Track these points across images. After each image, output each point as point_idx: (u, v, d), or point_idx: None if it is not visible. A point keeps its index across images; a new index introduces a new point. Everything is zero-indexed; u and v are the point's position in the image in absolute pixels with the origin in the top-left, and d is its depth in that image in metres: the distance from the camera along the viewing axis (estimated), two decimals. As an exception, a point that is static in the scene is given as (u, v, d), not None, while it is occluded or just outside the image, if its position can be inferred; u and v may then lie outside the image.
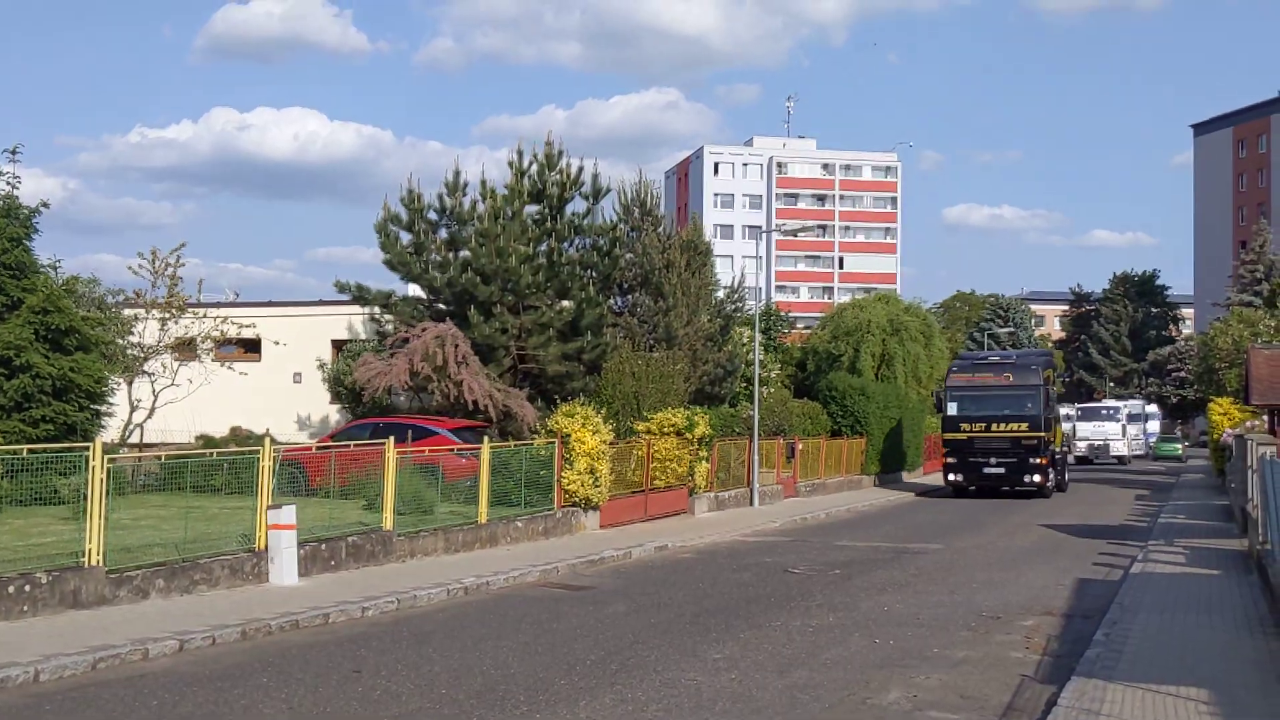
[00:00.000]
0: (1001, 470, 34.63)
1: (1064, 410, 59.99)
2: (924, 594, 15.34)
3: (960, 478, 35.21)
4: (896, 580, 16.65)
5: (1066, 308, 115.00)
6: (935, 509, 31.45)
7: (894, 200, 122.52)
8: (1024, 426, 34.26)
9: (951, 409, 35.25)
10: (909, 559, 19.36)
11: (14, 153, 21.31)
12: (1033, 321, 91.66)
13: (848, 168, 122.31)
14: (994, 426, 34.51)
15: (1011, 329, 77.09)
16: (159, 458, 17.61)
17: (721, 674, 10.21)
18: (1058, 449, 38.21)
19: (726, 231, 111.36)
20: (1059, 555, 20.19)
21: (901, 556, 19.64)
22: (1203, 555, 19.22)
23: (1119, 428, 64.34)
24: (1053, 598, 15.17)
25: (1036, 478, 34.28)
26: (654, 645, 11.50)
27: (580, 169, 31.87)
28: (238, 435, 27.84)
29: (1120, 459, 63.69)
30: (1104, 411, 66.41)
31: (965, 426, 34.76)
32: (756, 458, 29.74)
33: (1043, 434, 34.37)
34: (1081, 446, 63.03)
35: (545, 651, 11.20)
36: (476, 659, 10.82)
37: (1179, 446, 71.37)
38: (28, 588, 11.87)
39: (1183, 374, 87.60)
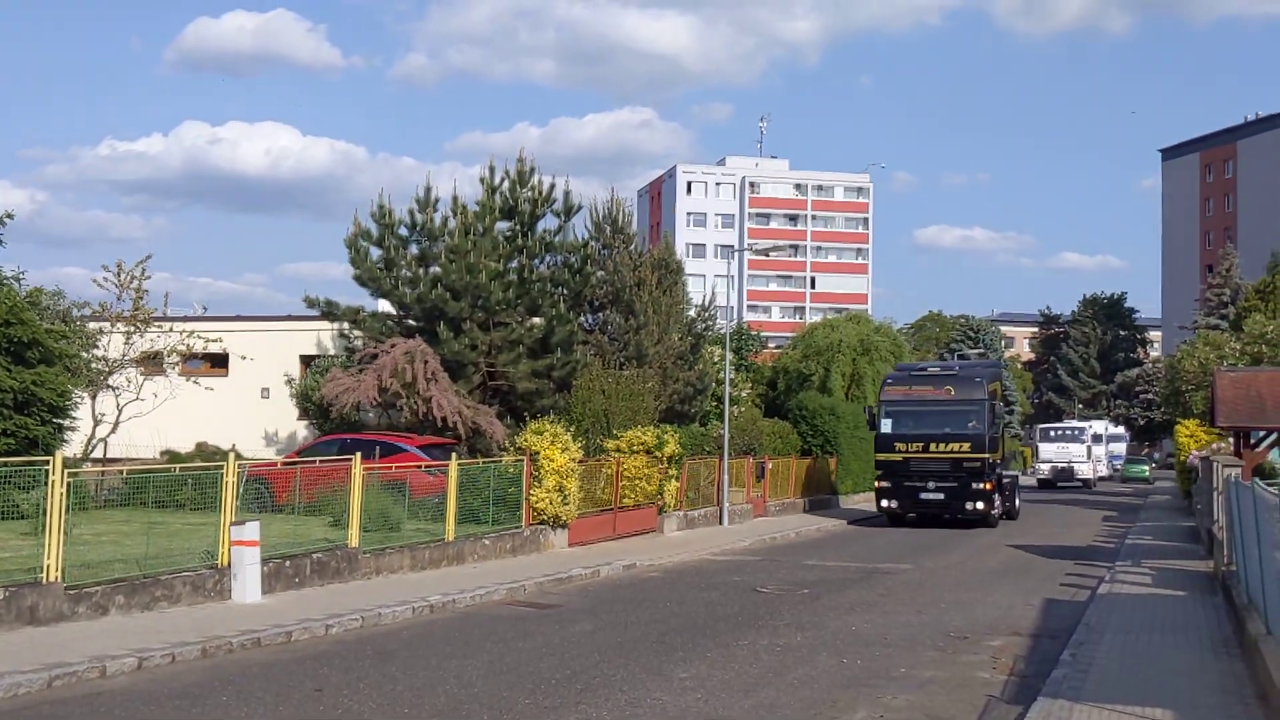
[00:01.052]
0: (941, 495, 30.97)
1: (1014, 431, 58.65)
2: (892, 614, 15.32)
3: (895, 504, 31.75)
4: (865, 600, 16.63)
5: (1036, 329, 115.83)
6: (905, 530, 31.47)
7: (866, 221, 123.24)
8: (966, 446, 30.81)
9: (885, 426, 31.92)
10: (878, 579, 19.35)
11: (-21, 163, 21.05)
12: (1003, 343, 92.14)
13: (820, 188, 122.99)
14: (932, 446, 31.12)
15: (981, 350, 77.45)
16: (121, 472, 17.37)
17: (688, 693, 10.13)
18: (1008, 472, 34.99)
19: (699, 250, 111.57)
20: (1027, 576, 20.23)
21: (871, 577, 19.63)
22: (1169, 576, 19.32)
23: (1083, 449, 60.85)
24: (1020, 618, 15.18)
25: (980, 504, 30.60)
26: (619, 664, 11.41)
27: (552, 186, 31.91)
28: (204, 450, 27.54)
29: (1085, 482, 60.31)
30: (1068, 433, 63.02)
31: (900, 446, 31.44)
32: (726, 477, 29.71)
33: (987, 455, 30.85)
34: (1044, 469, 60.51)
35: (510, 670, 11.09)
36: (440, 677, 10.69)
37: (1146, 468, 71.81)
38: (-17, 604, 11.64)
39: (1150, 396, 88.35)
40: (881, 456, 32.09)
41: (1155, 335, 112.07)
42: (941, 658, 12.21)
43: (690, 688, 10.37)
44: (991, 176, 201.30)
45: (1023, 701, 9.97)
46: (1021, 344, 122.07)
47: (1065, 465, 59.97)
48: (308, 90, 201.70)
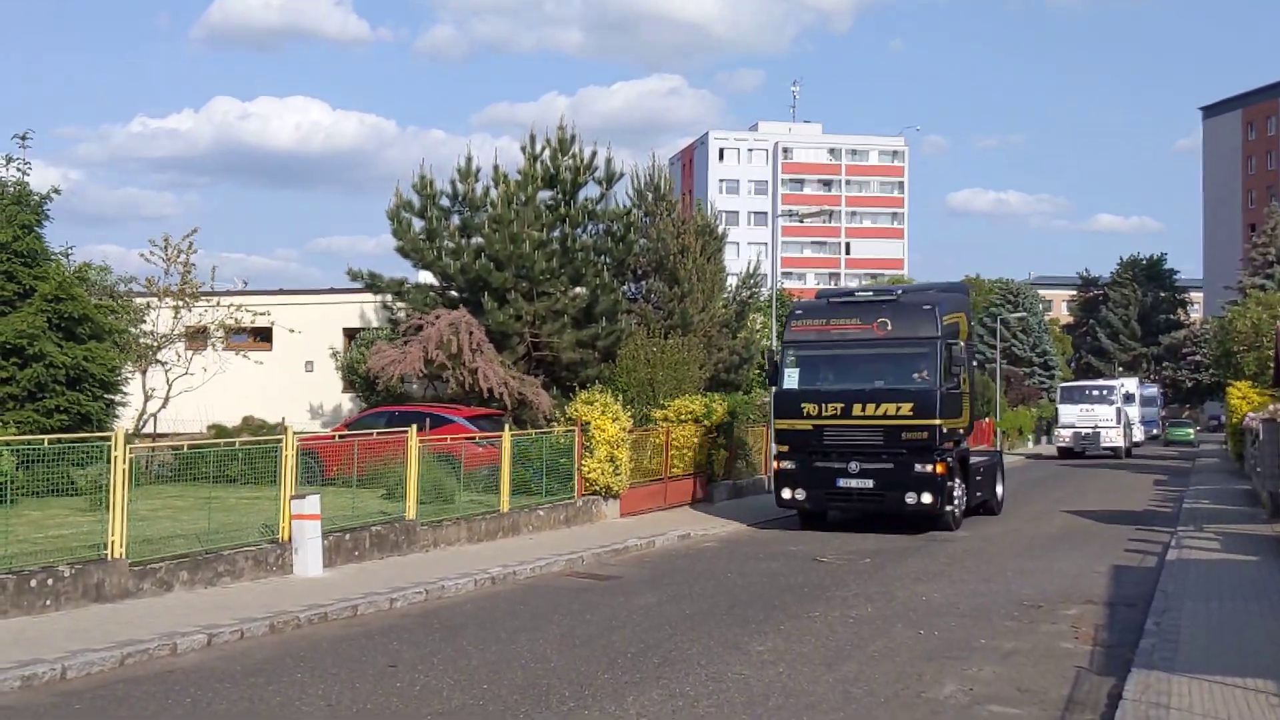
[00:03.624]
0: (869, 483, 20.86)
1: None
2: (960, 583, 15.03)
3: (802, 495, 21.41)
4: (930, 569, 16.35)
5: (1074, 292, 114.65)
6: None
7: (901, 185, 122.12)
8: (907, 409, 20.48)
9: (789, 379, 21.56)
10: (937, 546, 19.05)
11: (24, 139, 21.02)
12: (1041, 306, 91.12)
13: (854, 152, 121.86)
14: (857, 409, 20.83)
15: (1022, 314, 76.56)
16: (180, 447, 17.30)
17: (768, 667, 9.90)
18: (981, 450, 26.62)
19: (732, 218, 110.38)
20: (1088, 542, 19.88)
21: (930, 544, 19.34)
22: (1236, 541, 18.90)
23: (1112, 412, 51.28)
24: (1091, 585, 14.86)
25: (925, 496, 20.45)
26: (693, 637, 11.20)
27: (593, 154, 31.54)
28: (250, 424, 27.58)
29: (1115, 450, 50.71)
30: (1094, 392, 53.01)
31: (810, 409, 21.10)
32: (774, 445, 29.40)
33: (937, 421, 20.38)
34: (1065, 435, 51.53)
35: (583, 644, 10.90)
36: (514, 652, 10.52)
37: (1191, 431, 70.85)
38: (50, 581, 11.58)
39: (1198, 358, 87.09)
40: (783, 424, 21.92)
41: (1196, 296, 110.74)
42: (1020, 628, 11.92)
43: (770, 661, 10.14)
44: (1025, 138, 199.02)
45: (1113, 673, 9.69)
46: (1059, 307, 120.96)
47: (1090, 430, 50.95)
48: (336, 64, 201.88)
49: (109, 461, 12.40)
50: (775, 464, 22.17)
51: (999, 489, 25.38)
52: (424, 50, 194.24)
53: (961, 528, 21.41)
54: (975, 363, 24.92)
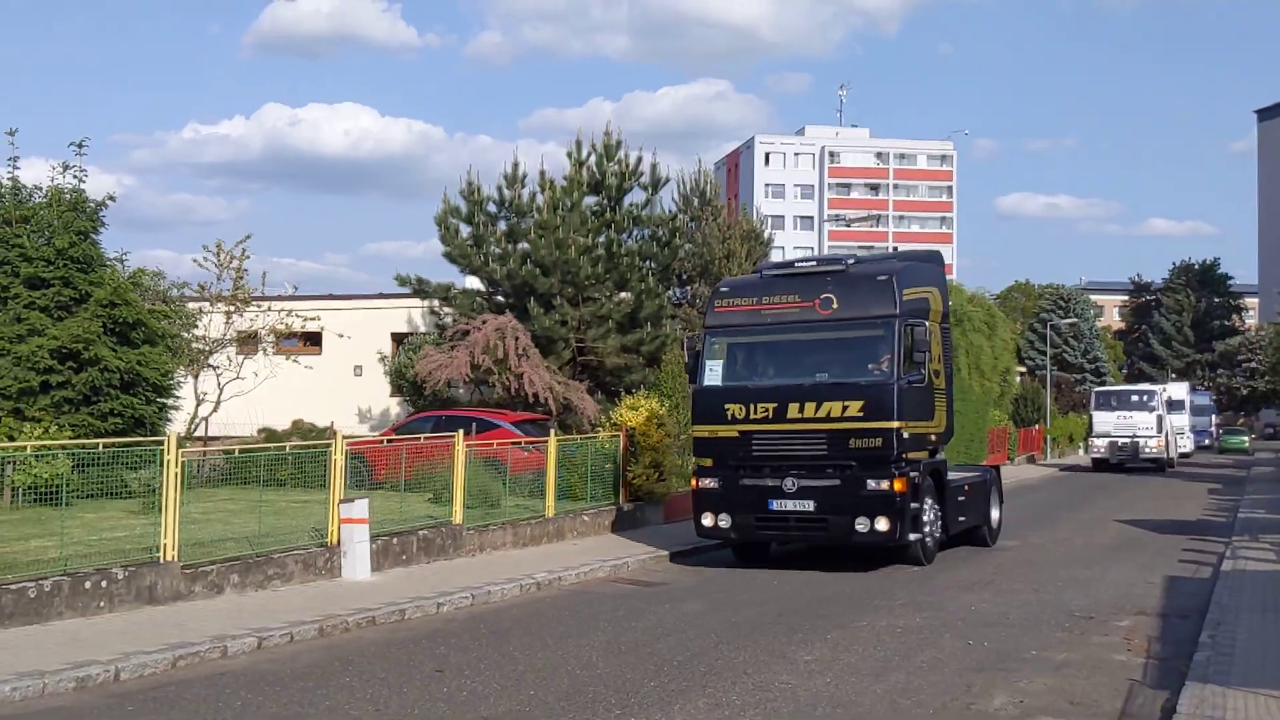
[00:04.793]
0: (809, 505, 16.50)
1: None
2: (1009, 592, 14.87)
3: (726, 521, 17.06)
4: (978, 578, 16.18)
5: (1126, 298, 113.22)
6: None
7: (949, 189, 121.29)
8: (856, 408, 16.13)
9: (710, 373, 17.31)
10: (986, 555, 18.86)
11: (80, 147, 21.31)
12: (1092, 312, 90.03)
13: (902, 156, 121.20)
14: (793, 410, 16.47)
15: (1073, 319, 75.67)
16: (232, 451, 17.50)
17: (815, 677, 9.84)
18: (964, 469, 21.68)
19: (778, 222, 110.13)
20: (1140, 551, 19.59)
21: (978, 553, 19.14)
22: (1293, 552, 18.55)
23: (1152, 419, 45.92)
24: (1144, 596, 14.64)
25: (880, 522, 16.07)
26: (739, 646, 11.16)
27: (639, 159, 31.57)
28: (300, 428, 27.85)
29: (1157, 462, 45.92)
30: (1132, 398, 47.57)
31: (735, 410, 16.82)
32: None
33: (894, 424, 16.08)
34: (1100, 445, 46.63)
35: (628, 651, 10.90)
36: (560, 658, 10.54)
37: (1246, 439, 69.63)
38: (104, 583, 11.75)
39: (1253, 365, 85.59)
40: (702, 430, 17.36)
41: (1251, 302, 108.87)
42: (1071, 639, 11.77)
43: (817, 671, 10.08)
44: (1076, 141, 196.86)
45: (1166, 686, 9.54)
46: (1111, 313, 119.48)
47: (1129, 440, 45.72)
48: (385, 70, 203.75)
49: (162, 465, 12.56)
50: (693, 482, 17.61)
51: (994, 513, 20.48)
52: (472, 56, 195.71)
53: (1012, 538, 21.09)
54: (953, 350, 19.45)
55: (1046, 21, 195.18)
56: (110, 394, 19.81)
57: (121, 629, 11.01)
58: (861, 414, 16.12)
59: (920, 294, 17.39)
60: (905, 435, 16.25)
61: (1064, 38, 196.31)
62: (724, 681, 9.66)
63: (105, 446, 14.13)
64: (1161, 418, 46.37)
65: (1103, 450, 46.35)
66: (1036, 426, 55.46)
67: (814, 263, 18.65)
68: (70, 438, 17.99)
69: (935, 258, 20.11)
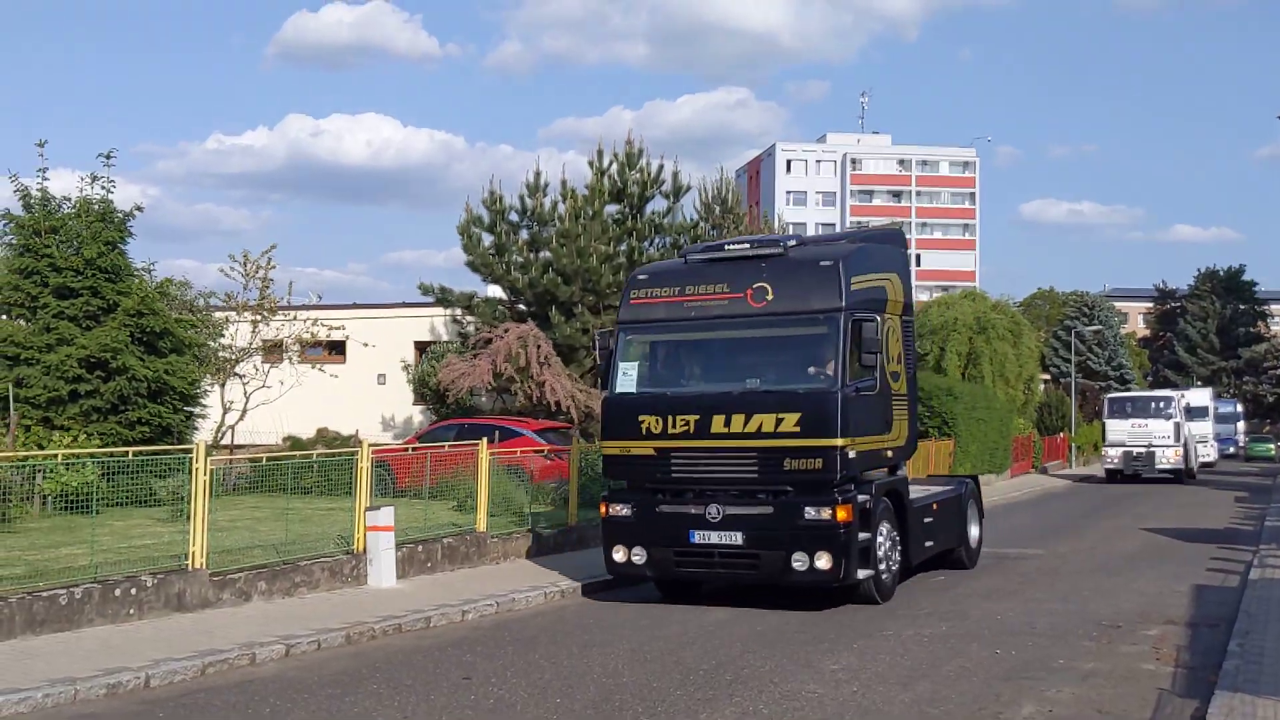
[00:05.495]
0: (736, 537, 13.86)
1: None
2: (1035, 601, 14.80)
3: (641, 556, 14.39)
4: (1003, 587, 16.12)
5: (1150, 305, 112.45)
6: (1026, 513, 30.66)
7: (972, 196, 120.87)
8: (792, 421, 13.57)
9: (624, 377, 14.71)
10: (1010, 565, 18.77)
11: (108, 157, 21.57)
12: (1117, 319, 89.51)
13: (924, 163, 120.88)
14: (718, 423, 13.88)
15: (1098, 327, 75.23)
16: (259, 459, 17.64)
17: (842, 686, 9.84)
18: (929, 485, 18.77)
19: (799, 229, 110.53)
20: (1167, 560, 19.46)
21: (1002, 562, 19.06)
22: (1322, 561, 18.39)
23: (1169, 427, 42.81)
24: (1171, 605, 14.55)
25: (821, 559, 13.42)
26: (765, 655, 11.16)
27: (660, 167, 31.71)
28: (325, 436, 28.04)
29: (1176, 473, 42.61)
30: (1149, 404, 44.43)
31: (650, 423, 14.22)
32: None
33: (838, 442, 13.44)
34: (1113, 455, 43.39)
35: (654, 660, 10.91)
36: (586, 666, 10.57)
37: (1272, 447, 69.04)
38: (134, 591, 11.86)
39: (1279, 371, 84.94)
40: (613, 447, 14.66)
41: (1277, 309, 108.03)
42: (1098, 648, 11.71)
43: (844, 680, 10.07)
44: (1099, 148, 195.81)
45: (1196, 695, 9.49)
46: (1135, 320, 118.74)
47: (1144, 450, 42.60)
48: (407, 81, 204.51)
49: (190, 473, 12.69)
50: (602, 508, 14.78)
51: (972, 531, 18.16)
52: (492, 66, 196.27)
53: (1036, 547, 20.98)
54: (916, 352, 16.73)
55: (1069, 26, 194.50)
56: (138, 402, 20.01)
57: (151, 636, 11.11)
58: (799, 428, 13.47)
59: (874, 282, 14.71)
60: (852, 454, 13.55)
61: (1087, 42, 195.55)
62: (750, 690, 9.66)
63: (134, 455, 14.26)
64: (1179, 425, 43.26)
65: (1116, 460, 43.21)
66: (1061, 434, 55.23)
67: (748, 245, 15.05)
68: (98, 446, 18.17)
69: (895, 237, 17.74)
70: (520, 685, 9.82)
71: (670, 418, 14.10)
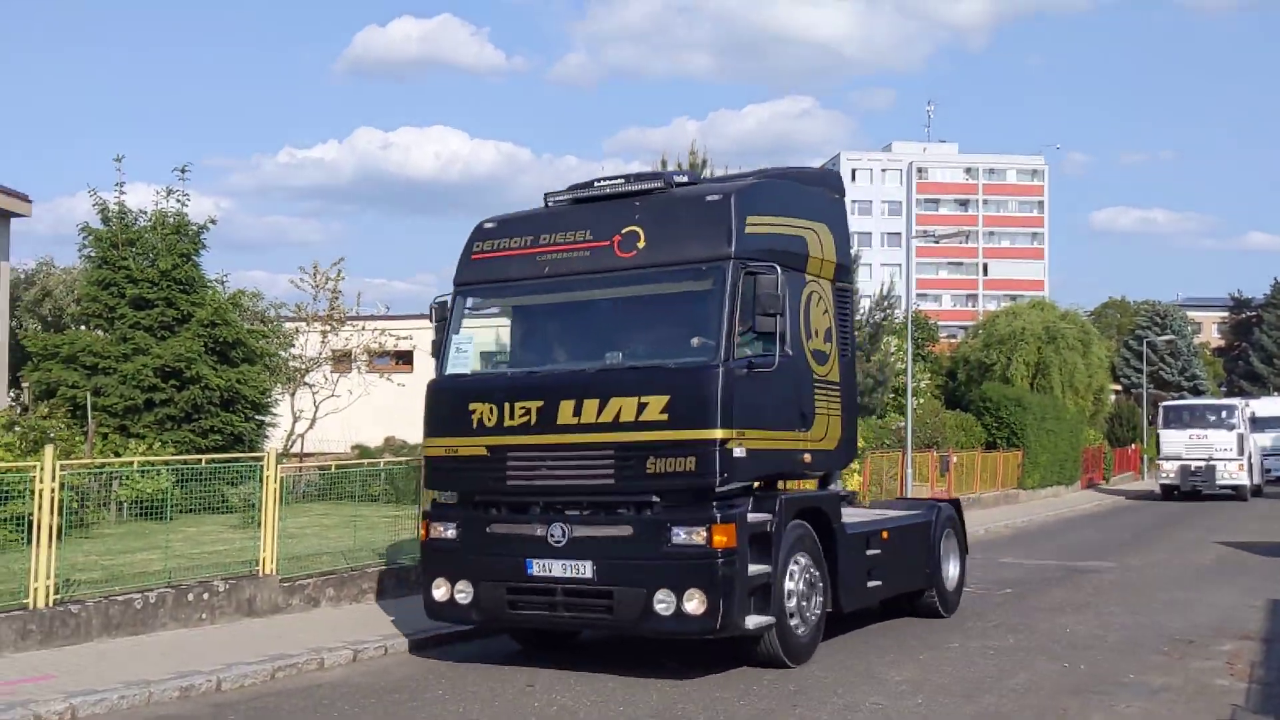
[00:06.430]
0: (585, 569, 10.29)
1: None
2: (1105, 615, 14.56)
3: (466, 594, 10.90)
4: (1073, 600, 15.88)
5: (1225, 314, 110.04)
6: (1096, 526, 30.16)
7: (1041, 204, 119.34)
8: (657, 407, 10.03)
9: (457, 354, 11.81)
10: (1081, 578, 18.49)
11: (183, 172, 22.09)
12: (1190, 329, 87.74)
13: (991, 171, 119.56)
14: (566, 411, 10.45)
15: (1171, 337, 73.84)
16: (328, 467, 17.92)
17: (905, 698, 9.76)
18: (892, 503, 16.64)
19: (864, 239, 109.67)
20: (1243, 574, 19.05)
21: (1073, 575, 18.78)
22: (1406, 577, 17.90)
23: (1232, 439, 38.87)
24: (1246, 620, 14.23)
25: (690, 601, 9.83)
26: (827, 665, 11.09)
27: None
28: (392, 445, 28.37)
29: (1237, 489, 38.73)
30: (1207, 414, 40.49)
31: (483, 413, 10.95)
32: (910, 471, 28.98)
33: (718, 433, 9.87)
34: (1170, 470, 39.36)
35: (715, 668, 10.87)
36: (648, 673, 10.58)
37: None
38: (206, 595, 12.11)
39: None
40: (437, 445, 11.53)
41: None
42: (1169, 663, 11.49)
43: (907, 692, 9.99)
44: (1173, 154, 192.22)
45: (1270, 711, 9.29)
46: (1209, 330, 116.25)
47: (1203, 463, 38.47)
48: (474, 93, 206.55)
49: (261, 481, 12.94)
50: (422, 529, 11.54)
51: (950, 569, 14.27)
52: (557, 78, 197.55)
53: (1108, 560, 20.62)
54: (852, 321, 13.05)
55: (1141, 30, 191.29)
56: (211, 411, 20.42)
57: (222, 640, 11.34)
58: (665, 416, 10.04)
59: (786, 228, 11.34)
60: (739, 453, 10.11)
61: (1159, 47, 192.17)
62: (812, 700, 9.62)
63: (207, 462, 14.57)
64: (1243, 437, 39.21)
65: (1172, 475, 39.10)
66: (1133, 445, 54.25)
67: (621, 181, 11.52)
68: (172, 454, 18.57)
69: (828, 179, 14.34)
70: (584, 692, 9.85)
71: (508, 405, 10.77)
